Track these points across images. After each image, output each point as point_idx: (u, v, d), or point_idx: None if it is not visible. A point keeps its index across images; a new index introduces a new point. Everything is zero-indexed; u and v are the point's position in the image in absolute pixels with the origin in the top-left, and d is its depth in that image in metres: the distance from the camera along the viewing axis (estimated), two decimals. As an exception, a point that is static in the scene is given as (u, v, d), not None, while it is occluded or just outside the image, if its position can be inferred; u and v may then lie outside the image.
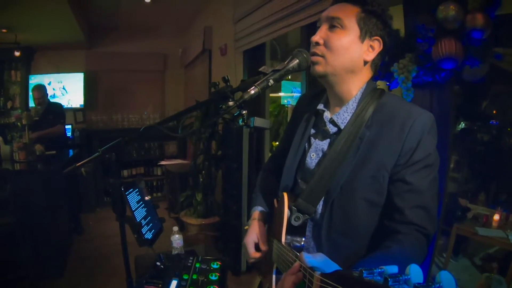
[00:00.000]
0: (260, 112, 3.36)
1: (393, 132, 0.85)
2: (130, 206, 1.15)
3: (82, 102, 5.23)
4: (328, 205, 0.91)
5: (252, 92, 0.85)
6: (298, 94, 4.42)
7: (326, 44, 0.91)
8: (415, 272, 0.47)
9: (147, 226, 1.23)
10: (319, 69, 0.92)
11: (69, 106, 5.10)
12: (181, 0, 4.25)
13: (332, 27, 0.91)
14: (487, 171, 2.14)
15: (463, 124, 2.02)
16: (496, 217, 1.86)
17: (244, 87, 0.92)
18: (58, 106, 4.10)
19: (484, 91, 1.95)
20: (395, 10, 1.64)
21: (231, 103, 0.90)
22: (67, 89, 5.18)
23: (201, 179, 3.56)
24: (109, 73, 5.44)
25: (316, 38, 0.91)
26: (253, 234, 1.09)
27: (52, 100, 4.17)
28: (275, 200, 1.12)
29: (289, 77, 4.59)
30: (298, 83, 4.34)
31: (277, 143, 3.89)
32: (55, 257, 2.89)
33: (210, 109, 3.49)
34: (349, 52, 0.90)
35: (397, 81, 1.52)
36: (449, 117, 1.59)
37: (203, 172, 3.55)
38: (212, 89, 0.98)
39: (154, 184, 5.61)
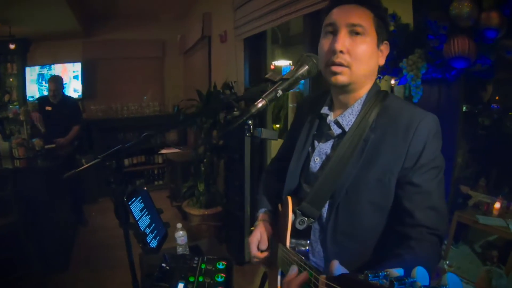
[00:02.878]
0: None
1: (397, 135, 0.85)
2: (134, 216, 1.13)
3: (80, 92, 5.16)
4: (333, 208, 0.91)
5: (260, 105, 0.82)
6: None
7: (350, 53, 0.86)
8: (421, 275, 0.47)
9: (152, 234, 1.21)
10: (343, 79, 0.89)
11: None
12: (179, -15, 4.12)
13: (353, 33, 0.86)
14: (488, 156, 2.13)
15: (464, 108, 2.00)
16: (497, 205, 1.86)
17: (249, 95, 0.89)
18: (74, 102, 4.06)
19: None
20: (403, 3, 1.57)
21: (236, 112, 0.86)
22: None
23: (202, 168, 3.54)
24: (107, 61, 5.33)
25: (340, 45, 0.86)
26: (258, 233, 1.09)
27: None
28: (279, 204, 1.11)
29: (290, 63, 4.52)
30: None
31: (278, 126, 3.85)
32: (60, 251, 2.92)
33: (211, 99, 3.44)
34: (371, 59, 0.89)
35: (406, 77, 1.47)
36: (457, 114, 1.55)
37: (205, 160, 3.53)
38: (216, 89, 0.94)
39: (156, 172, 5.62)
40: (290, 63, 4.40)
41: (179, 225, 2.05)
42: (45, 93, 4.25)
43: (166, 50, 5.83)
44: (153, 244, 1.18)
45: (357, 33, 0.86)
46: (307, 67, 0.89)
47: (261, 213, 1.16)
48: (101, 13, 4.96)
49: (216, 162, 3.64)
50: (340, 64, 0.87)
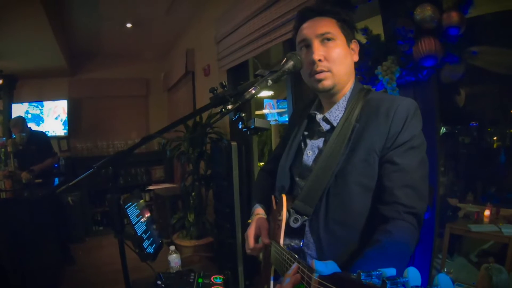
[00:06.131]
0: (247, 138, 3.39)
1: (379, 119, 0.91)
2: (130, 220, 1.13)
3: (66, 130, 5.15)
4: (324, 195, 0.93)
5: (253, 91, 0.87)
6: (281, 110, 4.50)
7: (327, 58, 0.96)
8: (413, 275, 0.48)
9: (148, 241, 1.20)
10: (328, 83, 0.97)
11: (53, 134, 5.01)
12: (162, 24, 4.33)
13: (324, 41, 0.96)
14: (472, 172, 2.20)
15: (444, 129, 2.08)
16: (487, 212, 1.91)
17: (242, 89, 0.94)
18: (42, 135, 3.96)
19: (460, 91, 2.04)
20: (372, 20, 1.73)
21: (230, 106, 0.91)
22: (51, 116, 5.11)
23: (191, 201, 3.52)
24: (92, 99, 5.41)
25: (317, 56, 0.95)
26: (256, 227, 1.10)
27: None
28: (273, 201, 1.12)
29: (272, 93, 4.68)
30: (284, 101, 4.43)
31: (261, 164, 3.91)
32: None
33: (197, 129, 3.50)
34: (346, 58, 0.99)
35: (382, 82, 1.58)
36: (433, 114, 1.64)
37: (193, 193, 3.52)
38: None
39: (143, 210, 5.49)
40: (272, 94, 4.57)
41: (172, 247, 2.02)
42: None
43: (150, 88, 5.98)
44: (150, 250, 1.17)
45: (328, 40, 0.96)
46: (292, 62, 0.96)
47: (256, 208, 1.18)
48: (87, 52, 5.08)
49: (204, 193, 3.63)
50: (322, 71, 0.96)
